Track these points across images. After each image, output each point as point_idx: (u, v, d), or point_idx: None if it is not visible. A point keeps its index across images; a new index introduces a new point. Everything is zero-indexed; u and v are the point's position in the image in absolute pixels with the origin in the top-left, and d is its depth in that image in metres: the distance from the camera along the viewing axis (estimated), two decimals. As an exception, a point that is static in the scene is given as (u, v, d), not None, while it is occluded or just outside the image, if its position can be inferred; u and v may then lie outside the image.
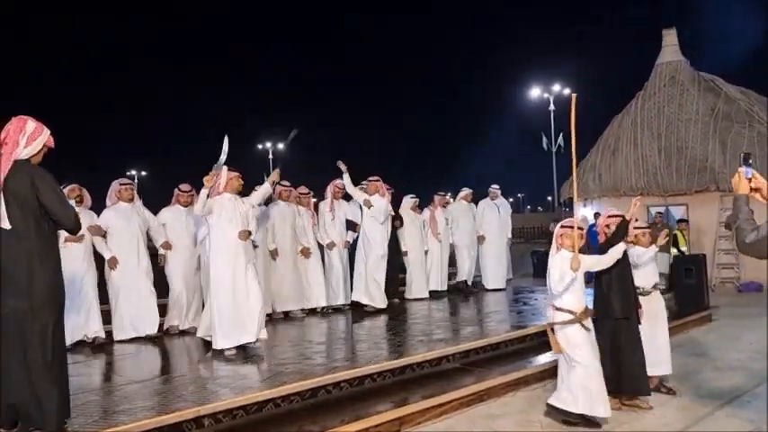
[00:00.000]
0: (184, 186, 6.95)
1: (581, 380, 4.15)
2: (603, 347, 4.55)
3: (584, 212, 13.38)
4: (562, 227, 4.33)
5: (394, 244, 8.54)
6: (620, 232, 4.53)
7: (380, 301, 7.80)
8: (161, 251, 6.68)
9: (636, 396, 4.64)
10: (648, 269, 5.05)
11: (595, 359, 4.21)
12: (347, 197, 8.44)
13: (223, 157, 5.51)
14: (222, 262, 5.44)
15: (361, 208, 8.10)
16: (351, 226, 8.30)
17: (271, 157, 36.75)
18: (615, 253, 4.39)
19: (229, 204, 5.56)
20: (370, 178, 7.85)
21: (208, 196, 5.45)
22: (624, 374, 4.54)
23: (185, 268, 6.77)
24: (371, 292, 7.83)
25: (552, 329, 4.26)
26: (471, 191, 10.03)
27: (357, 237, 8.25)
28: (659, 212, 12.10)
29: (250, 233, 5.60)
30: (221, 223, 5.50)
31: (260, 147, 37.37)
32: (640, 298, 5.07)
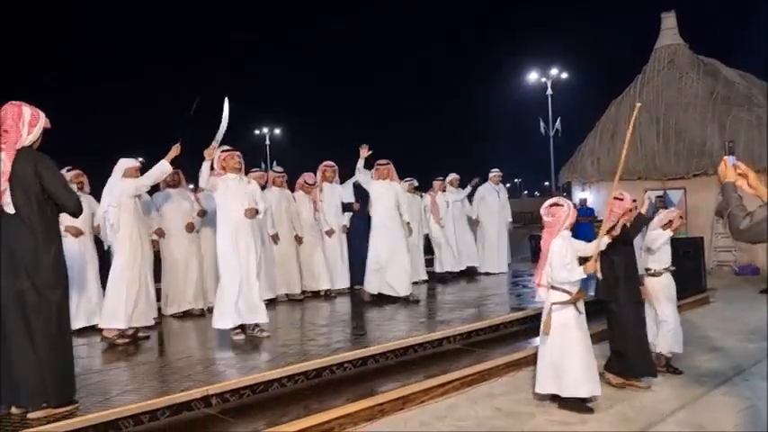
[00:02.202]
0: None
1: (571, 362, 4.20)
2: (612, 329, 4.66)
3: (581, 196, 13.47)
4: (556, 205, 4.34)
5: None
6: (638, 226, 4.58)
7: (401, 289, 7.34)
8: (154, 237, 6.66)
9: (639, 377, 4.74)
10: (662, 252, 5.16)
11: (585, 340, 4.26)
12: (342, 180, 8.47)
13: (223, 125, 5.42)
14: (228, 242, 5.47)
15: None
16: (347, 208, 8.35)
17: (267, 142, 36.65)
18: (601, 245, 4.35)
19: (234, 183, 5.56)
20: (380, 162, 7.58)
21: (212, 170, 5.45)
22: (632, 357, 4.66)
23: (183, 249, 6.81)
24: (373, 279, 7.54)
25: (551, 308, 4.30)
26: (458, 176, 9.99)
27: (352, 219, 8.34)
28: (659, 196, 12.18)
29: (257, 212, 5.59)
30: (227, 202, 5.52)
31: (257, 132, 37.21)
32: (652, 279, 5.18)
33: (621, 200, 4.79)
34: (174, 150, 5.44)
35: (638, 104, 4.36)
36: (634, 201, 4.91)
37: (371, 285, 7.43)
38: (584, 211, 11.96)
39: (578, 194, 13.62)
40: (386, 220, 7.38)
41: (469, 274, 9.78)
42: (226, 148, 5.57)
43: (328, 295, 7.93)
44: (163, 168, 5.51)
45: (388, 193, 7.41)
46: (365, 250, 8.34)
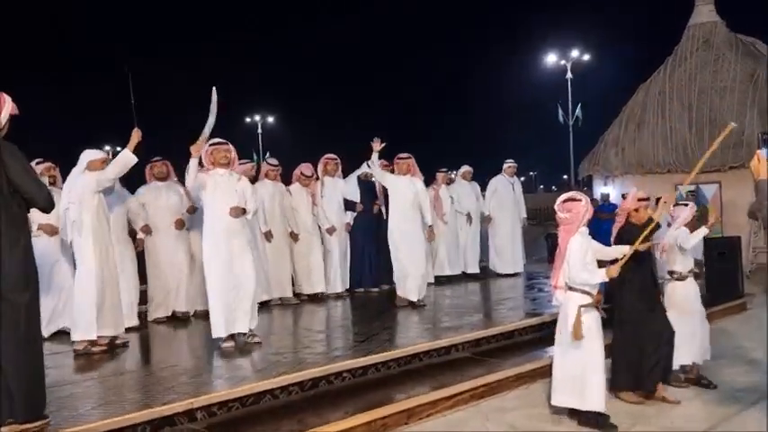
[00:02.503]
0: (155, 158, 7.03)
1: (593, 372, 4.21)
2: (620, 341, 4.65)
3: (603, 190, 13.45)
4: (572, 200, 4.34)
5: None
6: (651, 233, 4.54)
7: (412, 293, 7.33)
8: (140, 235, 6.72)
9: (663, 388, 4.74)
10: (689, 253, 5.17)
11: (602, 349, 4.28)
12: (345, 174, 8.49)
13: (212, 118, 5.43)
14: (215, 243, 5.49)
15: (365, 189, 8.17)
16: (350, 206, 8.35)
17: (259, 131, 36.67)
18: (622, 252, 4.35)
19: (223, 180, 5.56)
20: (400, 155, 7.53)
21: (201, 166, 5.47)
22: (645, 370, 4.65)
23: (170, 248, 6.82)
24: (404, 285, 7.42)
25: (580, 310, 4.26)
26: (471, 168, 10.00)
27: (356, 218, 8.36)
28: (690, 191, 12.13)
29: (244, 210, 5.60)
30: (215, 201, 5.53)
31: (248, 120, 37.24)
32: (675, 284, 5.18)
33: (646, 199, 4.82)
34: (135, 136, 5.41)
35: (732, 125, 4.37)
36: (647, 199, 4.88)
37: (404, 290, 7.33)
38: (607, 208, 11.91)
39: (600, 189, 13.60)
40: (402, 222, 7.32)
41: (476, 275, 9.74)
42: (214, 140, 5.57)
43: (324, 298, 7.95)
44: (126, 159, 5.40)
45: (407, 191, 7.33)
46: (369, 251, 8.38)
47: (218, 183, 5.54)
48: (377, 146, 7.26)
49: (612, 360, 4.76)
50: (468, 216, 9.71)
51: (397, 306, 7.28)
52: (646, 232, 4.38)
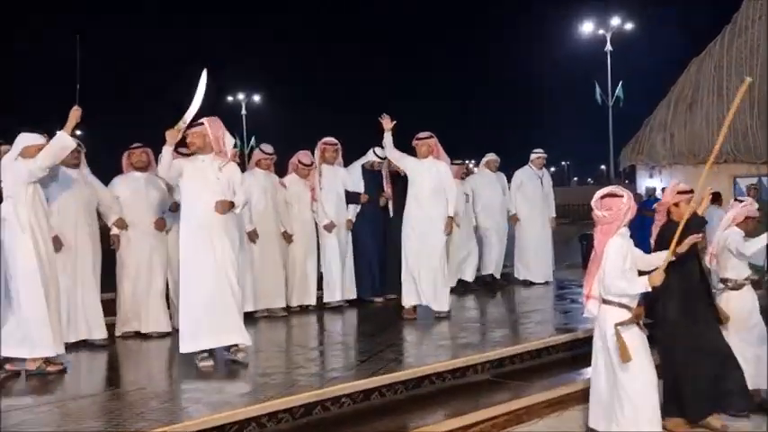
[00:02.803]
0: (135, 144, 7.01)
1: (636, 393, 4.20)
2: (662, 360, 4.63)
3: (648, 184, 13.42)
4: (612, 196, 4.32)
5: (397, 226, 8.58)
6: (691, 231, 4.50)
7: (420, 296, 7.33)
8: (114, 231, 6.72)
9: (716, 417, 4.72)
10: (743, 258, 5.15)
11: (653, 367, 4.29)
12: (346, 163, 8.49)
13: (196, 103, 5.40)
14: (193, 243, 5.48)
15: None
16: (352, 199, 8.34)
17: (244, 112, 36.76)
18: (663, 261, 4.31)
19: (205, 167, 5.52)
20: (420, 135, 7.45)
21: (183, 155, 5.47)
22: (691, 394, 4.63)
23: (146, 252, 6.82)
24: (412, 286, 7.43)
25: (618, 330, 4.25)
26: (497, 157, 9.99)
27: (359, 213, 8.37)
28: (752, 184, 12.08)
29: (232, 205, 5.56)
30: (193, 192, 5.51)
31: (230, 99, 37.32)
32: (729, 293, 5.15)
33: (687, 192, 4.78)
34: (73, 116, 5.39)
35: (748, 79, 4.31)
36: (689, 192, 4.84)
37: (408, 298, 7.34)
38: (652, 204, 11.91)
39: (645, 182, 13.59)
40: (418, 210, 7.29)
41: (498, 283, 9.73)
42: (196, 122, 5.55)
43: (320, 309, 7.96)
44: (62, 143, 5.37)
45: (428, 176, 7.29)
46: (374, 253, 8.36)
47: (199, 170, 5.51)
48: (387, 123, 7.22)
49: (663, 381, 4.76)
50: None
51: (405, 318, 7.26)
52: (679, 230, 4.33)
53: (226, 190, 5.55)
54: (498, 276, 9.82)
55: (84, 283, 6.36)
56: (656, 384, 4.26)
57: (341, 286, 8.17)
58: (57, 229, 6.13)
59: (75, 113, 5.38)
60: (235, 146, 5.92)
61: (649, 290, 4.21)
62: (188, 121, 5.45)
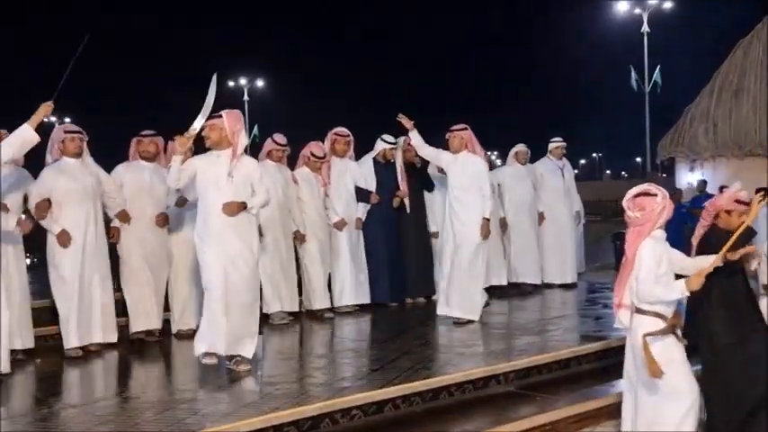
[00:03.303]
0: (146, 131, 7.06)
1: (677, 414, 4.16)
2: (707, 377, 4.60)
3: (689, 179, 13.35)
4: (646, 195, 4.30)
5: (413, 222, 8.61)
6: (740, 243, 4.46)
7: (469, 311, 7.39)
8: (115, 223, 6.74)
9: None
10: None
11: (695, 383, 4.24)
12: (360, 153, 8.51)
13: (207, 108, 5.50)
14: (206, 244, 5.55)
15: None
16: (363, 196, 8.35)
17: (246, 98, 36.84)
18: (708, 264, 4.24)
19: (219, 164, 5.55)
20: (453, 127, 7.49)
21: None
22: (739, 416, 4.59)
23: (150, 247, 6.87)
24: (460, 300, 7.44)
25: (646, 341, 4.24)
26: (527, 149, 9.93)
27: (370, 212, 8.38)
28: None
29: (244, 206, 5.57)
30: (204, 192, 5.57)
31: (231, 84, 37.38)
32: None
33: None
34: (43, 110, 5.44)
35: None
36: (746, 203, 4.79)
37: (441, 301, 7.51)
38: (703, 200, 11.82)
39: (684, 176, 13.51)
40: (450, 208, 7.41)
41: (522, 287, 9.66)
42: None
43: (335, 313, 7.97)
44: (24, 136, 5.40)
45: (460, 171, 7.37)
46: (388, 255, 8.36)
47: (211, 167, 5.55)
48: (407, 123, 7.36)
49: (704, 402, 4.72)
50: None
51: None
52: (732, 241, 4.30)
53: (240, 189, 5.57)
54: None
55: (96, 282, 6.44)
56: (692, 405, 4.18)
57: (353, 290, 8.19)
58: (64, 223, 6.25)
59: (45, 108, 5.46)
60: (255, 138, 5.98)
61: (687, 295, 4.17)
62: (198, 128, 5.52)
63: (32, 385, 5.65)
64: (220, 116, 5.58)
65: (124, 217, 6.72)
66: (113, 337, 6.51)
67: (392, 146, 8.38)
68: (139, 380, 5.78)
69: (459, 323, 7.23)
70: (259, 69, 39.37)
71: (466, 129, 7.46)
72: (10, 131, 5.60)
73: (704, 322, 4.72)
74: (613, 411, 5.29)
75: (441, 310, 7.44)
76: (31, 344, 6.19)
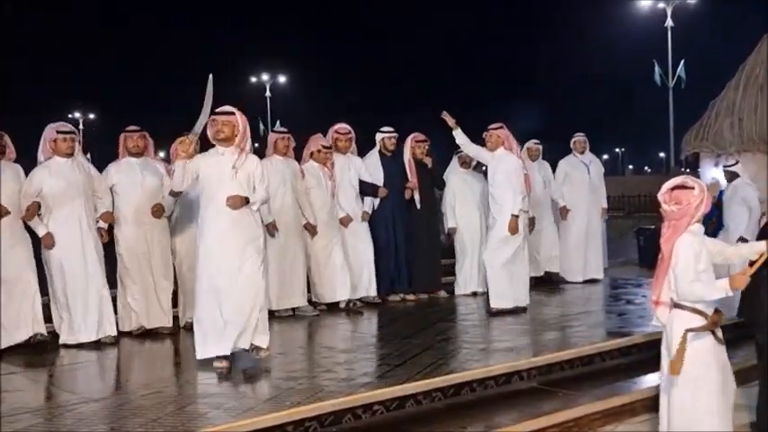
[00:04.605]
0: (131, 127, 7.07)
1: (703, 413, 4.09)
2: (762, 375, 4.51)
3: (714, 174, 13.19)
4: (683, 188, 4.22)
5: (424, 219, 8.62)
6: None
7: (507, 299, 7.67)
8: (99, 224, 6.75)
9: None
10: None
11: (725, 387, 4.14)
12: (362, 150, 8.56)
13: (206, 111, 5.53)
14: (208, 241, 5.54)
15: None
16: (368, 190, 8.36)
17: (268, 94, 36.99)
18: (756, 251, 4.17)
19: (222, 161, 5.55)
20: (492, 126, 7.72)
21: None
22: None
23: (145, 243, 6.88)
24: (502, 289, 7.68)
25: (685, 336, 4.14)
26: (538, 144, 9.88)
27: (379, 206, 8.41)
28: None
29: (247, 201, 5.57)
30: (207, 187, 5.58)
31: (254, 80, 37.58)
32: None
33: None
34: (187, 142, 5.57)
35: None
36: None
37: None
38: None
39: (709, 171, 13.35)
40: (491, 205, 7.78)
41: (548, 281, 9.69)
42: (217, 110, 5.63)
43: (351, 308, 7.98)
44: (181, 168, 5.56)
45: (495, 168, 7.69)
46: (400, 247, 8.40)
47: (215, 164, 5.56)
48: (449, 120, 7.71)
49: (758, 400, 4.64)
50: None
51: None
52: None
53: (243, 185, 5.58)
54: (543, 273, 9.76)
55: (94, 279, 6.48)
56: (719, 411, 4.09)
57: (366, 282, 8.24)
58: (54, 223, 6.34)
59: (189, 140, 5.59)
60: (264, 135, 6.02)
61: (730, 294, 4.06)
62: (199, 132, 5.57)
63: (48, 379, 5.67)
64: (233, 113, 5.60)
65: (108, 218, 6.77)
66: (112, 331, 6.56)
67: (389, 134, 8.48)
68: (158, 374, 5.78)
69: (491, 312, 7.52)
70: (280, 66, 39.46)
71: (502, 127, 7.72)
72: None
73: (758, 313, 4.60)
74: (637, 408, 5.25)
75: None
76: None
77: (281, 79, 38.98)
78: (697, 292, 4.04)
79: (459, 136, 7.81)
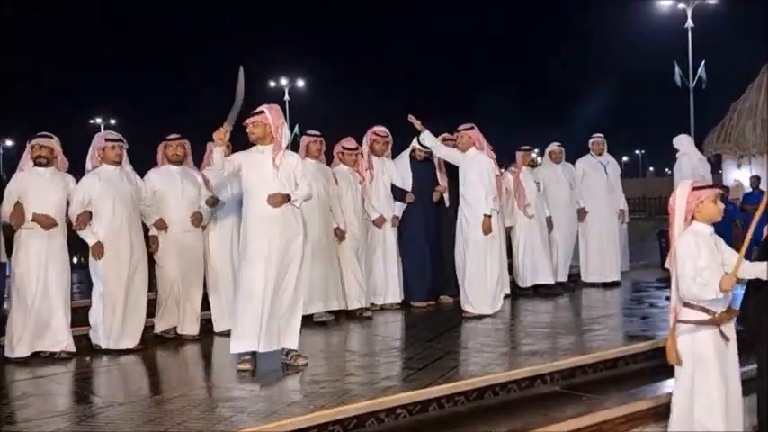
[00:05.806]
0: (171, 135, 7.12)
1: (703, 413, 4.09)
2: (761, 379, 4.48)
3: (736, 176, 13.10)
4: (695, 189, 4.24)
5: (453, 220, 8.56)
6: None
7: (484, 306, 7.71)
8: (153, 232, 6.82)
9: None
10: None
11: (722, 385, 4.11)
12: (396, 153, 8.54)
13: (238, 101, 5.59)
14: (252, 239, 5.60)
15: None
16: (399, 195, 8.34)
17: (287, 98, 37.11)
18: (752, 272, 4.14)
19: (263, 159, 5.60)
20: (462, 127, 7.74)
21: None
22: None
23: (182, 250, 6.91)
24: (471, 294, 7.73)
25: (675, 325, 4.15)
26: (561, 147, 9.83)
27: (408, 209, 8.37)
28: None
29: (288, 198, 5.59)
30: (250, 186, 5.64)
31: (272, 84, 37.74)
32: None
33: None
34: (220, 133, 5.53)
35: None
36: None
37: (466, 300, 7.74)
38: (756, 198, 11.56)
39: (731, 172, 13.27)
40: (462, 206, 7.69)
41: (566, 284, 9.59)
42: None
43: (374, 312, 7.96)
44: (215, 155, 5.59)
45: (468, 169, 7.65)
46: (426, 252, 8.37)
47: (255, 162, 5.61)
48: (416, 122, 7.68)
49: (758, 404, 4.60)
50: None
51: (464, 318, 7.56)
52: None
53: (284, 182, 5.63)
54: (565, 279, 9.69)
55: (138, 287, 6.58)
56: (718, 409, 4.06)
57: (389, 288, 8.24)
58: (103, 231, 6.36)
59: (221, 132, 5.55)
60: (296, 137, 6.10)
61: (720, 297, 4.05)
62: (232, 122, 5.61)
63: (74, 383, 5.72)
64: (263, 112, 5.63)
65: (162, 225, 6.80)
66: (137, 339, 6.56)
67: (422, 149, 8.38)
68: (183, 378, 5.83)
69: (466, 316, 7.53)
70: (299, 71, 39.60)
71: (473, 128, 7.74)
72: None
73: (756, 317, 4.59)
74: (662, 413, 5.19)
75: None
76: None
77: (300, 84, 39.07)
78: (694, 291, 4.05)
79: (428, 138, 7.78)
